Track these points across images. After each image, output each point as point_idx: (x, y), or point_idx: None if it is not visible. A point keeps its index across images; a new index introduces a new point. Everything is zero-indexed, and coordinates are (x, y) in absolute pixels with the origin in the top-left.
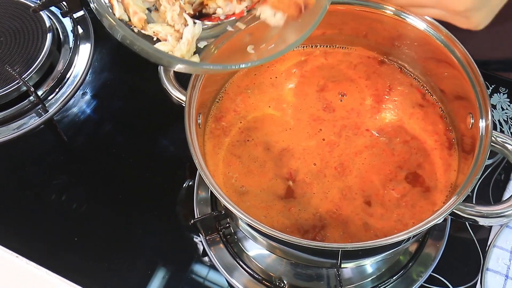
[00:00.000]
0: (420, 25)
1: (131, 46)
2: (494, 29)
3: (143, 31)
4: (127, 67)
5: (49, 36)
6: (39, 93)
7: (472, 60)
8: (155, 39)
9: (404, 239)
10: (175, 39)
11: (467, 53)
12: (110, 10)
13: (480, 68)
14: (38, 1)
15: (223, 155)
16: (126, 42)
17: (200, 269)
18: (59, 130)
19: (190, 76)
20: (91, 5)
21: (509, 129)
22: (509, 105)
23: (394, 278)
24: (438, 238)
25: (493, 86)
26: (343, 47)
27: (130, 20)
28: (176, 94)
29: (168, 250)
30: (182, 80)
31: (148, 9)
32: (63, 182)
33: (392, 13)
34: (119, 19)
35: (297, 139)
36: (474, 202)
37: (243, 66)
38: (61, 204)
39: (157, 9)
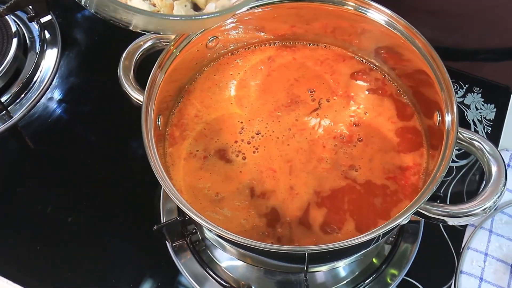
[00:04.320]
0: (380, 18)
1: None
2: (482, 17)
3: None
4: (94, 71)
5: (15, 41)
6: (4, 98)
7: (435, 52)
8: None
9: (370, 240)
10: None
11: (429, 44)
12: None
13: (469, 59)
14: (3, 6)
15: (190, 169)
16: None
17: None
18: (24, 136)
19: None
20: None
21: (483, 129)
22: (483, 105)
23: (367, 281)
24: (411, 241)
25: (467, 85)
26: (310, 44)
27: None
28: (136, 95)
29: (145, 259)
30: (143, 81)
31: None
32: (28, 190)
33: (352, 8)
34: None
35: (265, 140)
36: (448, 203)
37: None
38: (25, 212)
39: None
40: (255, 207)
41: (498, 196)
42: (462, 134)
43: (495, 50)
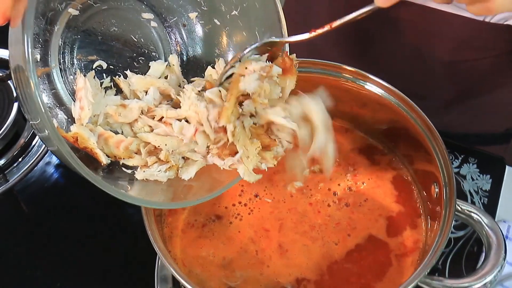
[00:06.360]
0: (378, 90)
1: None
2: (468, 102)
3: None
4: None
5: (15, 105)
6: (1, 162)
7: (432, 124)
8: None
9: None
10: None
11: (426, 117)
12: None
13: (460, 141)
14: (6, 71)
15: (189, 239)
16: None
17: None
18: (20, 200)
19: None
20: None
21: (480, 199)
22: (479, 175)
23: None
24: None
25: (462, 156)
26: None
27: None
28: None
29: None
30: None
31: None
32: (20, 255)
33: (350, 80)
34: None
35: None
36: (447, 275)
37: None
38: (13, 276)
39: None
40: (263, 264)
41: (499, 270)
42: (460, 206)
43: (483, 134)
